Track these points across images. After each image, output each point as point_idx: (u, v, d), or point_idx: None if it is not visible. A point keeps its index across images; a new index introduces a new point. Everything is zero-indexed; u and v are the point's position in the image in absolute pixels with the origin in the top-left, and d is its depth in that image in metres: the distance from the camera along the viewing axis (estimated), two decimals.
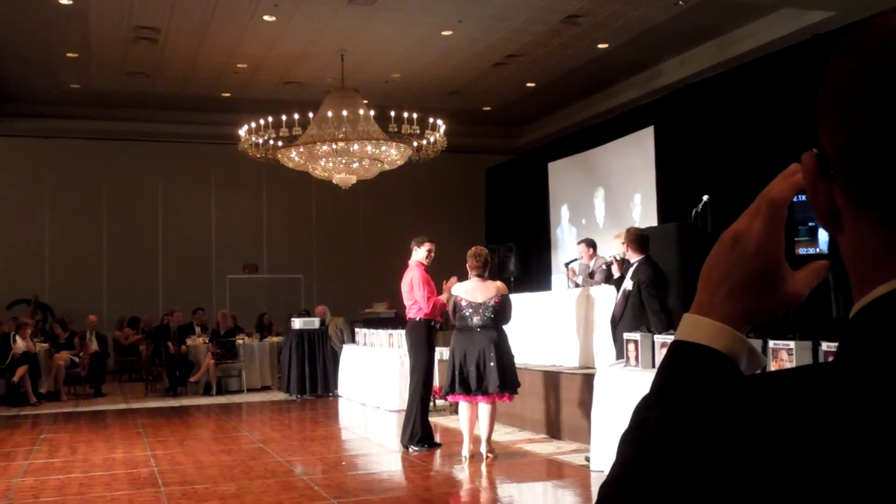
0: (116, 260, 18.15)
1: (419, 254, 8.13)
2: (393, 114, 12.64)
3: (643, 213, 14.64)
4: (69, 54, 13.94)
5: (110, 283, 18.11)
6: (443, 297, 7.90)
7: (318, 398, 13.00)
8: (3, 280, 17.27)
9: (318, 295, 18.69)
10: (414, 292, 8.00)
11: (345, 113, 12.84)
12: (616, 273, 7.55)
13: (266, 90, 15.96)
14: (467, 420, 7.42)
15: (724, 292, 0.79)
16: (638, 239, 7.32)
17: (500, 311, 7.38)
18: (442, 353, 9.24)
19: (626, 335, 6.57)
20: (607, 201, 15.95)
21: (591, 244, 10.33)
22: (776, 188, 0.79)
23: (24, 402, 12.65)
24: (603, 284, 9.17)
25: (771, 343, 5.17)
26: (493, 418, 7.48)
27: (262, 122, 12.95)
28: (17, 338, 13.00)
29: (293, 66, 14.74)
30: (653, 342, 6.27)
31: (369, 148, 13.20)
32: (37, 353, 13.24)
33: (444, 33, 13.17)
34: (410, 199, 19.51)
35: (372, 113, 13.42)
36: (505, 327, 7.50)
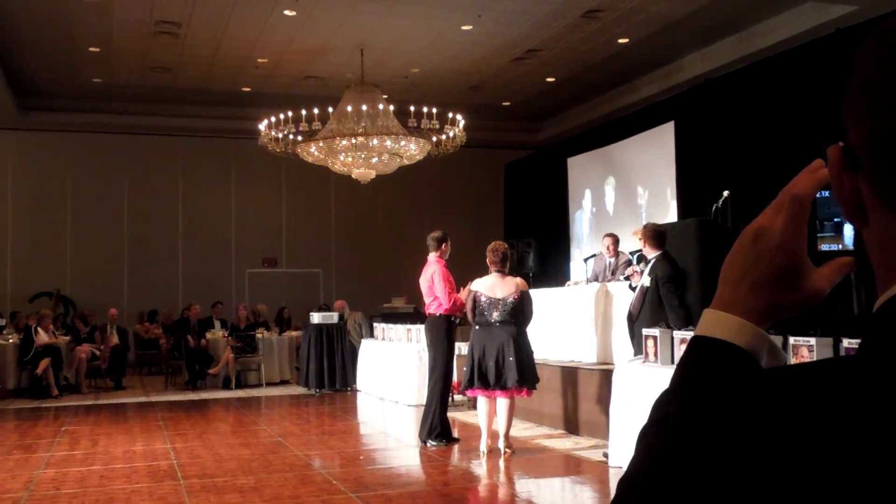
0: (137, 254, 18.28)
1: (438, 251, 8.13)
2: (412, 109, 12.64)
3: (657, 206, 14.57)
4: (91, 49, 14.03)
5: (131, 277, 18.23)
6: (462, 296, 7.92)
7: (337, 392, 13.04)
8: (25, 273, 17.44)
9: (336, 289, 18.75)
10: (434, 288, 8.00)
11: (364, 108, 12.85)
12: (635, 283, 7.51)
13: (286, 85, 16.00)
14: (485, 415, 7.42)
15: (746, 288, 0.78)
16: (655, 235, 7.29)
17: (520, 308, 7.36)
18: (461, 348, 9.24)
19: (645, 331, 6.54)
20: (628, 195, 15.88)
21: (616, 239, 10.29)
22: (800, 184, 0.78)
23: (45, 394, 12.76)
24: (622, 279, 9.13)
25: (791, 339, 5.13)
26: (512, 413, 7.47)
27: (281, 116, 12.98)
28: (39, 329, 13.13)
29: (313, 61, 14.77)
30: (672, 338, 6.24)
31: (388, 143, 13.21)
32: (59, 347, 13.35)
33: (464, 28, 13.16)
34: (429, 194, 19.51)
35: (391, 108, 13.42)
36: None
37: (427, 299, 8.15)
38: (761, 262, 0.78)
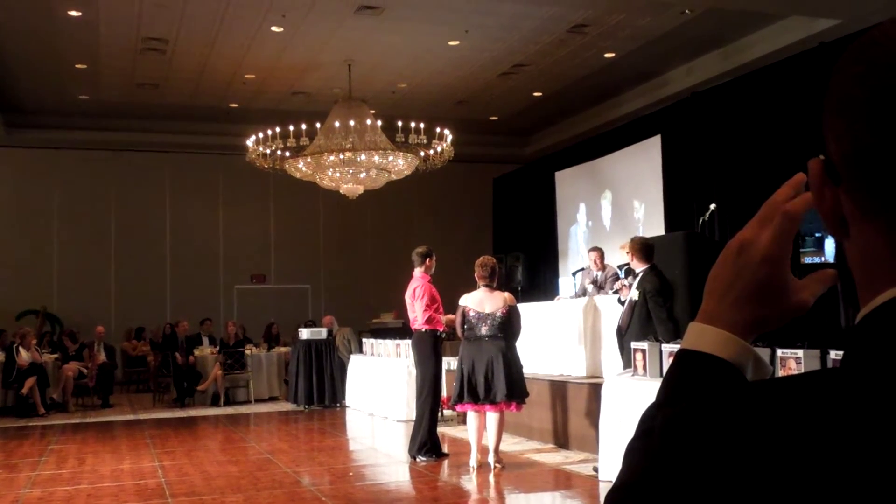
0: (124, 270, 18.19)
1: (423, 266, 8.17)
2: (400, 124, 12.66)
3: (646, 219, 14.61)
4: (78, 65, 14.01)
5: (118, 294, 18.14)
6: (443, 319, 7.97)
7: (326, 408, 12.99)
8: (11, 291, 17.32)
9: (325, 305, 18.71)
10: (415, 303, 8.04)
11: (352, 123, 12.86)
12: (624, 297, 7.53)
13: (274, 100, 16.01)
14: (475, 430, 7.41)
15: (730, 301, 0.78)
16: (643, 248, 7.30)
17: (508, 322, 7.37)
18: (449, 362, 9.23)
19: (633, 344, 6.55)
20: (623, 209, 15.91)
21: (602, 253, 10.31)
22: (792, 201, 0.78)
23: (32, 412, 12.65)
24: (611, 293, 9.15)
25: (779, 351, 5.15)
26: (501, 428, 7.46)
27: (269, 132, 12.97)
28: (21, 349, 12.98)
29: (301, 77, 14.78)
30: (660, 351, 6.25)
31: (376, 158, 13.22)
32: (43, 364, 13.23)
33: (451, 43, 13.20)
34: (418, 209, 19.52)
35: (379, 123, 13.43)
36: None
37: (411, 315, 8.18)
38: (745, 275, 0.78)
